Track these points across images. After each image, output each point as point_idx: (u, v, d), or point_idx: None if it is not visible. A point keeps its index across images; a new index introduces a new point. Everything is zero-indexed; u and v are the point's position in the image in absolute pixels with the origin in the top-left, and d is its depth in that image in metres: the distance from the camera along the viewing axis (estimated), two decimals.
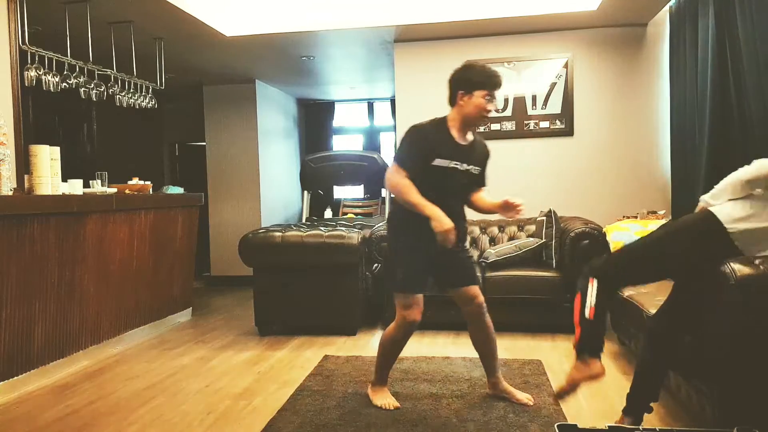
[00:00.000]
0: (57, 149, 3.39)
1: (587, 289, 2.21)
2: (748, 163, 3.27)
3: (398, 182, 2.50)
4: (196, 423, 2.62)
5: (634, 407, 2.25)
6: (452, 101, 2.64)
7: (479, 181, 2.72)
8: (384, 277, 2.63)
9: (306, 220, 5.89)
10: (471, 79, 2.57)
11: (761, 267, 1.97)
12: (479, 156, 2.69)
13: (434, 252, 2.50)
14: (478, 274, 4.12)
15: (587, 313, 2.19)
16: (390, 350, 2.75)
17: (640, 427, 2.11)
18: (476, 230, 4.80)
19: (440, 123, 2.63)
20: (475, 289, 2.71)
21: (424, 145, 2.55)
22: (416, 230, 2.49)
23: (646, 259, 2.23)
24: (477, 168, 2.67)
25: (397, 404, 2.72)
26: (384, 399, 2.74)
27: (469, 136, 2.66)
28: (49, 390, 3.11)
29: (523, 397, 2.76)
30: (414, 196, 2.45)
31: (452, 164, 2.56)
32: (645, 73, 4.76)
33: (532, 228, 4.63)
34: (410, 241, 2.59)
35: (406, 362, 3.39)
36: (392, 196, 2.65)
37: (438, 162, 2.54)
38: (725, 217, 2.07)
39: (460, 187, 2.65)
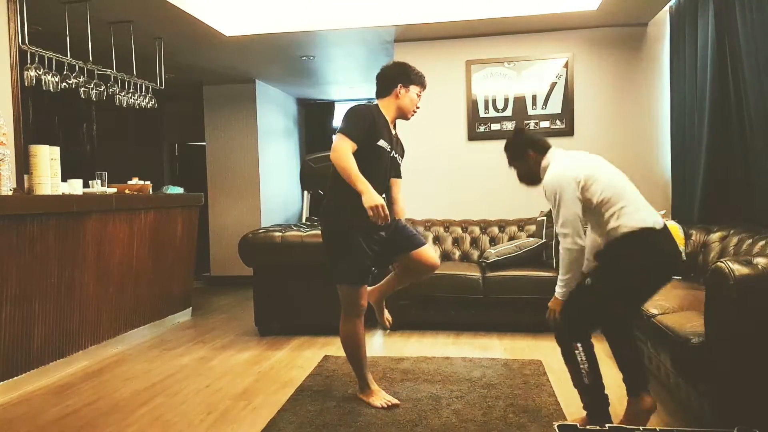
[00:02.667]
0: (57, 149, 3.39)
1: (576, 357, 2.30)
2: (749, 164, 3.29)
3: (345, 152, 2.54)
4: (196, 423, 2.62)
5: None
6: (385, 93, 2.79)
7: (398, 171, 2.93)
8: (329, 271, 2.73)
9: (306, 220, 5.89)
10: (409, 75, 2.78)
11: (759, 267, 1.97)
12: (401, 149, 2.93)
13: (373, 231, 2.63)
14: (479, 274, 4.13)
15: (586, 380, 2.29)
16: (356, 348, 2.78)
17: (641, 427, 2.11)
18: (476, 230, 4.80)
19: (377, 109, 2.76)
20: (426, 250, 2.85)
21: (372, 124, 2.66)
22: (353, 216, 2.58)
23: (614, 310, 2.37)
24: (400, 158, 2.90)
25: (397, 401, 2.74)
26: (382, 399, 2.75)
27: (393, 129, 2.84)
28: (49, 390, 3.11)
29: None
30: (354, 168, 2.52)
31: (388, 148, 2.74)
32: (645, 73, 4.76)
33: (532, 228, 4.63)
34: (349, 234, 2.63)
35: (406, 362, 3.39)
36: (330, 186, 2.75)
37: (381, 143, 2.69)
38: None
39: (389, 171, 2.82)
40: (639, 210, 2.29)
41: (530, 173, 2.53)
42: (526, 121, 4.89)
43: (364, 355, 2.82)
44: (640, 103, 4.77)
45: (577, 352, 2.30)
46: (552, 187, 2.33)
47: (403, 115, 2.82)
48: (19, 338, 3.08)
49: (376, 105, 2.79)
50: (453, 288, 4.11)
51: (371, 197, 2.47)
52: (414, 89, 2.78)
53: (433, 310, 4.18)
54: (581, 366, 2.29)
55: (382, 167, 2.73)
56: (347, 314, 2.74)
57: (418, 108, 2.84)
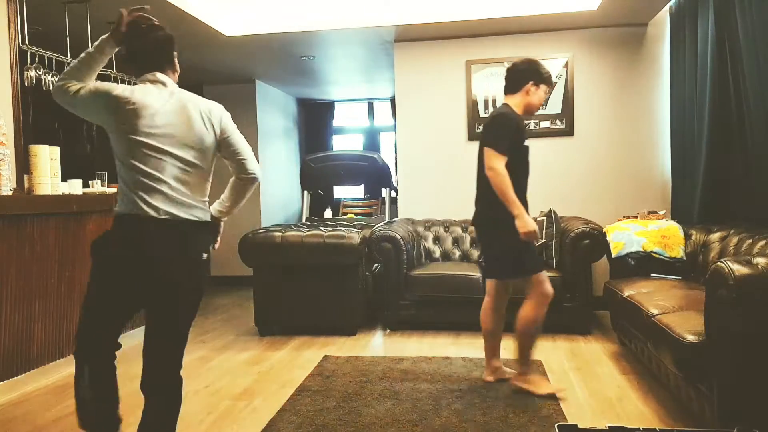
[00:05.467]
0: (57, 149, 3.39)
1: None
2: (749, 163, 3.29)
3: (503, 173, 2.64)
4: (196, 423, 2.62)
5: None
6: (516, 89, 2.87)
7: None
8: (505, 269, 2.90)
9: (306, 220, 5.89)
10: (542, 74, 2.84)
11: (759, 267, 1.97)
12: None
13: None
14: (479, 274, 4.13)
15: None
16: (535, 330, 2.84)
17: (641, 427, 2.11)
18: None
19: (511, 109, 2.84)
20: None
21: (516, 130, 2.75)
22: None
23: None
24: None
25: (558, 388, 2.84)
26: (547, 387, 2.82)
27: None
28: (49, 390, 3.11)
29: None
30: (511, 191, 2.64)
31: (526, 143, 2.85)
32: (645, 73, 4.76)
33: None
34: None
35: (406, 362, 3.39)
36: (492, 190, 2.71)
37: (527, 143, 2.83)
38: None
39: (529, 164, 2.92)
40: None
41: None
42: (526, 122, 4.89)
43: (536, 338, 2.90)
44: (640, 103, 4.77)
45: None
46: None
47: (529, 111, 2.89)
48: (19, 338, 3.08)
49: (508, 104, 2.86)
50: (453, 288, 4.11)
51: (527, 222, 2.63)
52: (543, 87, 2.84)
53: (433, 310, 4.18)
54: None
55: (526, 164, 2.86)
56: (539, 301, 2.83)
57: (541, 106, 2.96)
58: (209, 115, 2.00)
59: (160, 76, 1.96)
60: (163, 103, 1.90)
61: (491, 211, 2.76)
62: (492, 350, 3.05)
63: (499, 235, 2.77)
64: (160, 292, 1.93)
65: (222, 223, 2.17)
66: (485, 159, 2.70)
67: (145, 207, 1.84)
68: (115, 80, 4.45)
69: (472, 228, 4.80)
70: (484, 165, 2.72)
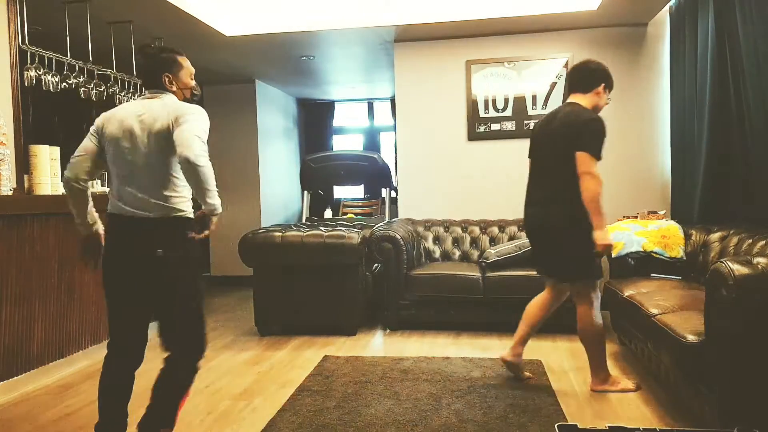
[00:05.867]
0: (57, 149, 3.40)
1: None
2: (749, 163, 3.29)
3: (601, 180, 2.62)
4: (196, 423, 2.62)
5: None
6: (588, 88, 2.84)
7: None
8: (576, 271, 2.81)
9: (306, 220, 5.89)
10: (611, 78, 2.88)
11: (759, 267, 1.97)
12: None
13: None
14: (479, 274, 4.13)
15: None
16: (603, 337, 2.82)
17: (641, 427, 2.11)
18: (476, 230, 4.80)
19: (586, 109, 2.80)
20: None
21: (605, 134, 2.72)
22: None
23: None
24: None
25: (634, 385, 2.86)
26: (628, 382, 2.86)
27: None
28: (49, 390, 3.11)
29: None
30: (601, 201, 2.61)
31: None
32: (645, 73, 4.76)
33: None
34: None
35: (406, 362, 3.39)
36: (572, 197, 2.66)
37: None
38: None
39: None
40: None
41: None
42: (526, 121, 4.89)
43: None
44: (640, 104, 4.77)
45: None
46: None
47: (595, 113, 2.82)
48: (19, 338, 3.08)
49: (579, 104, 2.81)
50: (453, 288, 4.11)
51: (607, 236, 2.62)
52: (608, 92, 2.86)
53: (433, 310, 4.18)
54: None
55: None
56: (594, 306, 2.80)
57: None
58: (168, 111, 2.13)
59: (150, 91, 2.22)
60: (129, 113, 2.11)
61: (572, 212, 2.67)
62: (523, 335, 2.99)
63: (578, 238, 2.67)
64: (141, 286, 2.17)
65: (210, 217, 2.26)
66: (582, 164, 2.62)
67: (117, 205, 2.13)
68: (115, 80, 4.46)
69: (472, 228, 4.82)
70: (576, 168, 2.63)
